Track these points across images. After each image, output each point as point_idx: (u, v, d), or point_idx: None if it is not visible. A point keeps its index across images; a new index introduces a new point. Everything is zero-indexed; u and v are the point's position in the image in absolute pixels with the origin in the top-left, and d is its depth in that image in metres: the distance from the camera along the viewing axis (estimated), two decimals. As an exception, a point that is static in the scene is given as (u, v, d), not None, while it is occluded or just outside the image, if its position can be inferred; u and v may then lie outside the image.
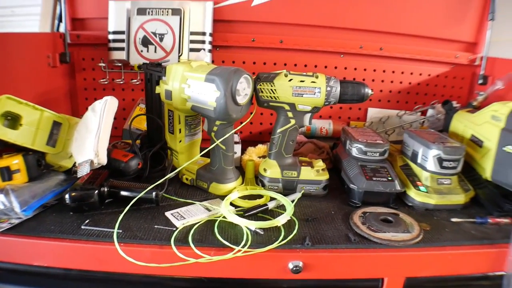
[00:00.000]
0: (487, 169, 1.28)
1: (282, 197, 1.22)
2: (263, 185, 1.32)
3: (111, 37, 1.76)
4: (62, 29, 1.79)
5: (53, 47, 1.71)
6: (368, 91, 1.24)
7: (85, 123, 1.25)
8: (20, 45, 1.51)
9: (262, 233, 1.05)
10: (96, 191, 1.11)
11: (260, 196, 1.27)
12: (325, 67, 1.87)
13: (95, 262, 1.00)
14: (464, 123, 1.47)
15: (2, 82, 1.39)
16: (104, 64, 1.80)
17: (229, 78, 1.12)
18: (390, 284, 1.05)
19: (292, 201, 1.21)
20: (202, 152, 1.30)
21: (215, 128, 1.24)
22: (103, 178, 1.18)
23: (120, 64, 1.80)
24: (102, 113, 1.21)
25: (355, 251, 1.02)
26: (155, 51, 1.74)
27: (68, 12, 1.77)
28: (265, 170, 1.32)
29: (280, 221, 1.08)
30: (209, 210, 1.16)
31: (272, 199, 1.23)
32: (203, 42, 1.75)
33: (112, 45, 1.76)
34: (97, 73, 1.83)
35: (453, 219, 1.18)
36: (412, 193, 1.25)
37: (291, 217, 1.12)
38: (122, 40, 1.75)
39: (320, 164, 1.34)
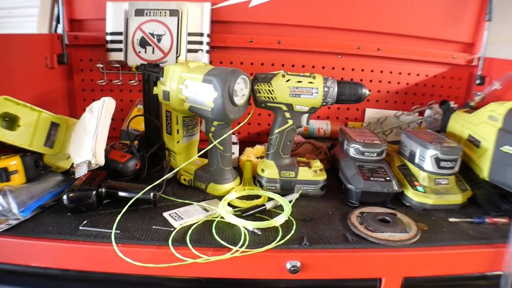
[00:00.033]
0: (484, 169, 1.28)
1: (279, 198, 1.22)
2: (261, 186, 1.32)
3: (109, 38, 1.76)
4: (60, 30, 1.78)
5: (51, 48, 1.71)
6: (365, 91, 1.24)
7: (83, 124, 1.25)
8: (18, 47, 1.51)
9: (260, 233, 1.05)
10: (94, 192, 1.11)
11: (258, 197, 1.27)
12: (323, 67, 1.88)
13: (93, 263, 1.00)
14: (461, 123, 1.47)
15: (0, 83, 1.39)
16: (102, 65, 1.80)
17: (226, 79, 1.12)
18: (388, 284, 1.06)
19: (290, 202, 1.21)
20: (200, 153, 1.30)
21: (212, 129, 1.24)
22: (101, 179, 1.18)
23: (118, 65, 1.80)
24: (99, 114, 1.21)
25: (352, 251, 1.02)
26: (153, 52, 1.74)
27: (66, 13, 1.77)
28: (263, 170, 1.32)
29: (278, 221, 1.08)
30: (207, 211, 1.17)
31: (270, 199, 1.23)
32: (201, 43, 1.75)
33: (110, 46, 1.76)
34: (95, 74, 1.83)
35: (451, 219, 1.19)
36: (410, 193, 1.26)
37: (288, 217, 1.12)
38: (120, 41, 1.75)
39: (317, 164, 1.34)
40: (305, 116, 1.27)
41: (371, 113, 1.96)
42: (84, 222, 1.06)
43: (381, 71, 1.91)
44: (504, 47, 1.93)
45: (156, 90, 1.30)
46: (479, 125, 1.34)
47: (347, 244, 1.03)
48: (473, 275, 1.10)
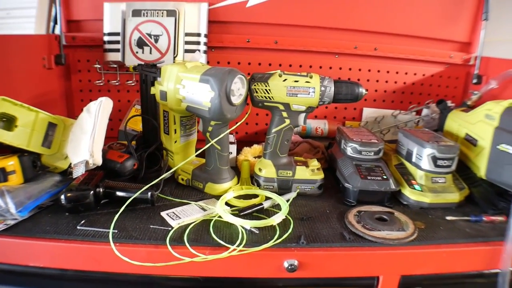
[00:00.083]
0: (481, 168, 1.28)
1: (277, 197, 1.22)
2: (259, 185, 1.33)
3: (106, 38, 1.76)
4: (57, 31, 1.78)
5: (48, 49, 1.71)
6: (362, 90, 1.24)
7: (80, 124, 1.25)
8: (16, 47, 1.51)
9: (257, 232, 1.06)
10: (92, 192, 1.11)
11: (256, 196, 1.27)
12: (320, 67, 1.88)
13: (91, 262, 1.01)
14: (458, 122, 1.47)
15: (-3, 84, 1.39)
16: (99, 66, 1.80)
17: (223, 79, 1.12)
18: (385, 282, 1.06)
19: (287, 201, 1.21)
20: (197, 152, 1.30)
21: (210, 129, 1.24)
22: (99, 179, 1.19)
23: (115, 66, 1.80)
24: (97, 114, 1.21)
25: (350, 249, 1.02)
26: (150, 52, 1.75)
27: (63, 14, 1.77)
28: (260, 169, 1.32)
29: (275, 220, 1.08)
30: (205, 210, 1.17)
31: (267, 198, 1.24)
32: (198, 43, 1.75)
33: (107, 46, 1.76)
34: (92, 74, 1.83)
35: (448, 217, 1.19)
36: (407, 191, 1.26)
37: (286, 216, 1.12)
38: (117, 42, 1.75)
39: (315, 163, 1.34)
40: (302, 115, 1.28)
41: (368, 112, 1.96)
42: (82, 222, 1.06)
43: (378, 71, 1.91)
44: (501, 46, 1.93)
45: (153, 90, 1.31)
46: (476, 124, 1.34)
47: (344, 242, 1.04)
48: (470, 273, 1.10)
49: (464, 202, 1.29)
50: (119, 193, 1.16)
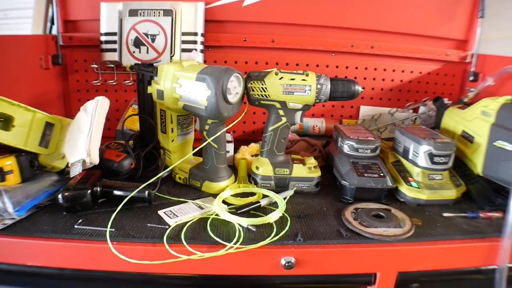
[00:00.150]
0: (478, 164, 1.29)
1: (274, 194, 1.22)
2: (256, 183, 1.33)
3: (103, 38, 1.76)
4: (54, 31, 1.78)
5: (45, 49, 1.71)
6: (358, 88, 1.25)
7: (77, 123, 1.25)
8: (13, 48, 1.51)
9: (254, 229, 1.06)
10: (89, 191, 1.11)
11: (253, 194, 1.28)
12: (317, 66, 1.88)
13: (88, 261, 1.01)
14: (455, 119, 1.48)
15: (-6, 84, 1.39)
16: (96, 66, 1.80)
17: (219, 77, 1.13)
18: (382, 278, 1.06)
19: (284, 198, 1.21)
20: (194, 150, 1.31)
21: (207, 127, 1.25)
22: (96, 178, 1.19)
23: (112, 66, 1.80)
24: (93, 113, 1.22)
25: (347, 246, 1.02)
26: (147, 52, 1.75)
27: (60, 14, 1.77)
28: (257, 168, 1.32)
29: (272, 217, 1.08)
30: (202, 208, 1.17)
31: (264, 196, 1.24)
32: (195, 42, 1.76)
33: (104, 46, 1.76)
34: (89, 74, 1.83)
35: (445, 214, 1.19)
36: (404, 188, 1.26)
37: (283, 213, 1.13)
38: (114, 42, 1.75)
39: (312, 161, 1.34)
40: (299, 113, 1.28)
41: (365, 110, 1.96)
42: (79, 221, 1.06)
43: (375, 69, 1.91)
44: (497, 44, 1.94)
45: (150, 90, 1.31)
46: (473, 121, 1.34)
47: (341, 239, 1.04)
48: (467, 270, 1.10)
49: (461, 198, 1.29)
50: (116, 192, 1.16)
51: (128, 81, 1.83)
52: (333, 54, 1.88)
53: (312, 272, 1.03)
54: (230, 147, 1.55)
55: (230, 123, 1.29)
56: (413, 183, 1.27)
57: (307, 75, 1.23)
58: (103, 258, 0.99)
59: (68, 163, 1.22)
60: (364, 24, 1.85)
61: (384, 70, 1.92)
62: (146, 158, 1.41)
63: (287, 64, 1.87)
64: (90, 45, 1.80)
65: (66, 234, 1.01)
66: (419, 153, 1.27)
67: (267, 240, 1.00)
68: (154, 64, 1.36)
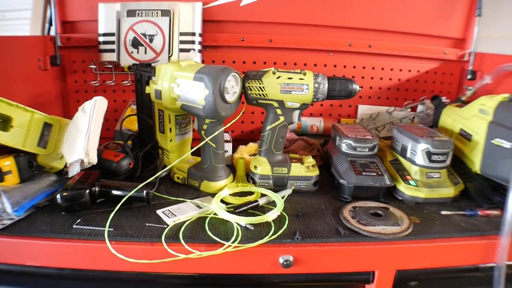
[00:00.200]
0: (476, 162, 1.29)
1: (272, 193, 1.22)
2: (254, 182, 1.33)
3: (101, 39, 1.76)
4: (52, 32, 1.78)
5: (43, 50, 1.71)
6: (356, 87, 1.25)
7: (75, 123, 1.25)
8: (11, 49, 1.51)
9: (252, 228, 1.06)
10: (87, 191, 1.11)
11: (251, 193, 1.28)
12: (315, 65, 1.89)
13: (87, 261, 1.01)
14: (453, 118, 1.48)
15: (-7, 85, 1.40)
16: (95, 66, 1.80)
17: (217, 76, 1.13)
18: (381, 277, 1.06)
19: (283, 197, 1.21)
20: (192, 150, 1.31)
21: (205, 127, 1.25)
22: (95, 178, 1.19)
23: (111, 66, 1.80)
24: (91, 113, 1.22)
25: (345, 244, 1.03)
26: (145, 52, 1.75)
27: (58, 15, 1.77)
28: (255, 167, 1.33)
29: (270, 216, 1.08)
30: (200, 208, 1.17)
31: (262, 195, 1.24)
32: (193, 42, 1.76)
33: (102, 47, 1.77)
34: (88, 75, 1.84)
35: (443, 212, 1.19)
36: (402, 187, 1.26)
37: (281, 212, 1.13)
38: (112, 42, 1.75)
39: (310, 160, 1.34)
40: (297, 112, 1.28)
41: (363, 109, 1.96)
42: (78, 220, 1.06)
43: (373, 68, 1.91)
44: (495, 42, 1.94)
45: (148, 89, 1.31)
46: (470, 119, 1.35)
47: (339, 238, 1.04)
48: (466, 267, 1.10)
49: (459, 196, 1.29)
50: (114, 192, 1.16)
51: (126, 82, 1.83)
52: (331, 54, 1.88)
53: (310, 270, 1.03)
54: (229, 146, 1.55)
55: (228, 123, 1.29)
56: (411, 182, 1.27)
57: (304, 74, 1.23)
58: (101, 257, 0.99)
59: (66, 163, 1.22)
60: (362, 23, 1.85)
61: (382, 69, 1.92)
62: (144, 158, 1.41)
63: (285, 63, 1.87)
64: (88, 45, 1.80)
65: (65, 234, 1.01)
66: (417, 152, 1.27)
67: (265, 239, 1.00)
68: (152, 64, 1.37)
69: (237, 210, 1.14)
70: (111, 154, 1.34)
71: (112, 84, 1.83)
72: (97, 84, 1.83)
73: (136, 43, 1.74)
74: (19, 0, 2.18)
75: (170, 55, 1.74)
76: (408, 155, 1.31)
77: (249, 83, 1.25)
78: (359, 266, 1.06)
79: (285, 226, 1.07)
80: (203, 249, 0.97)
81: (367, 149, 1.31)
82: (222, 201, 1.21)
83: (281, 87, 1.23)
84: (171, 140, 1.38)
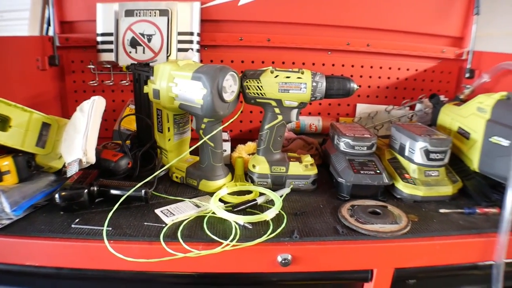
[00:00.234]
0: (474, 160, 1.29)
1: (270, 192, 1.22)
2: (252, 181, 1.33)
3: (99, 39, 1.76)
4: (51, 32, 1.78)
5: (42, 50, 1.71)
6: (354, 85, 1.25)
7: (74, 123, 1.25)
8: (10, 49, 1.52)
9: (250, 227, 1.06)
10: (86, 190, 1.11)
11: (250, 192, 1.28)
12: (313, 64, 1.89)
13: (86, 260, 1.01)
14: (451, 116, 1.48)
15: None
16: (93, 66, 1.80)
17: (215, 76, 1.13)
18: (379, 275, 1.06)
19: (281, 196, 1.21)
20: (190, 149, 1.31)
21: (203, 126, 1.25)
22: (93, 178, 1.19)
23: (109, 66, 1.80)
24: (90, 112, 1.22)
25: (343, 243, 1.03)
26: (144, 52, 1.75)
27: (56, 16, 1.77)
28: (254, 166, 1.33)
29: (268, 215, 1.08)
30: (199, 207, 1.17)
31: (261, 194, 1.24)
32: (191, 42, 1.76)
33: (100, 47, 1.77)
34: (86, 75, 1.84)
35: (441, 210, 1.19)
36: (400, 185, 1.27)
37: (279, 211, 1.13)
38: (110, 42, 1.76)
39: (308, 159, 1.35)
40: (295, 111, 1.28)
41: (362, 108, 1.97)
42: (77, 220, 1.06)
43: (371, 67, 1.92)
44: (493, 40, 1.95)
45: (146, 89, 1.31)
46: (468, 117, 1.35)
47: (337, 236, 1.04)
48: (464, 265, 1.10)
49: (458, 194, 1.29)
50: (113, 191, 1.16)
51: (125, 81, 1.83)
52: (329, 53, 1.89)
53: (309, 269, 1.03)
54: (227, 146, 1.55)
55: (226, 122, 1.29)
56: (410, 180, 1.27)
57: (302, 73, 1.23)
58: (100, 257, 0.99)
59: (65, 163, 1.22)
60: (360, 22, 1.85)
61: (380, 68, 1.92)
62: (143, 158, 1.41)
63: (283, 62, 1.87)
64: (87, 45, 1.80)
65: (63, 233, 1.01)
66: (415, 150, 1.27)
67: (264, 238, 1.00)
68: (150, 64, 1.37)
69: (236, 209, 1.14)
70: (109, 153, 1.34)
71: (111, 84, 1.83)
72: (95, 84, 1.83)
73: (134, 43, 1.74)
74: (18, 0, 2.18)
75: (168, 54, 1.74)
76: (406, 153, 1.31)
77: (247, 82, 1.25)
78: (358, 265, 1.06)
79: (283, 225, 1.07)
80: (202, 248, 0.97)
81: (365, 147, 1.31)
82: (220, 200, 1.21)
83: (279, 86, 1.23)
84: (169, 140, 1.38)
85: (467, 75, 1.87)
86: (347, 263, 1.05)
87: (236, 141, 1.63)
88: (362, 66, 1.91)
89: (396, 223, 1.09)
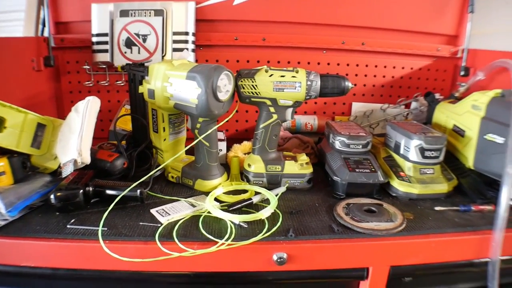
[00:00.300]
0: (469, 158, 1.29)
1: (266, 191, 1.23)
2: (248, 180, 1.33)
3: (94, 39, 1.76)
4: (46, 33, 1.78)
5: (37, 51, 1.71)
6: (348, 84, 1.25)
7: (69, 123, 1.25)
8: (5, 50, 1.51)
9: (246, 226, 1.06)
10: (81, 191, 1.11)
11: (245, 191, 1.28)
12: (308, 63, 1.89)
13: (81, 260, 1.01)
14: (446, 114, 1.49)
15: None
16: (88, 67, 1.80)
17: (209, 75, 1.13)
18: (375, 273, 1.07)
19: (276, 195, 1.21)
20: (186, 148, 1.31)
21: (198, 125, 1.25)
22: (88, 178, 1.19)
23: (104, 66, 1.80)
24: (84, 113, 1.22)
25: (338, 241, 1.03)
26: (139, 52, 1.75)
27: (51, 16, 1.77)
28: (249, 165, 1.33)
29: (264, 214, 1.08)
30: (194, 206, 1.17)
31: (256, 193, 1.24)
32: (186, 42, 1.76)
33: (96, 47, 1.76)
34: (82, 75, 1.83)
35: (437, 208, 1.20)
36: (396, 183, 1.27)
37: (275, 210, 1.13)
38: (105, 42, 1.75)
39: (304, 158, 1.35)
40: (290, 110, 1.28)
41: (357, 107, 1.97)
42: (72, 220, 1.06)
43: (366, 65, 1.92)
44: (487, 38, 1.95)
45: (141, 89, 1.31)
46: (463, 115, 1.35)
47: (333, 234, 1.04)
48: (460, 263, 1.11)
49: (453, 192, 1.30)
50: (108, 192, 1.16)
51: (120, 82, 1.83)
52: (324, 51, 1.89)
53: (304, 267, 1.03)
54: (223, 145, 1.55)
55: (221, 121, 1.29)
56: (405, 178, 1.27)
57: (297, 71, 1.23)
58: (96, 257, 0.99)
59: (60, 163, 1.22)
60: (355, 21, 1.86)
61: (376, 66, 1.93)
62: (138, 158, 1.41)
63: (278, 62, 1.87)
64: (82, 46, 1.80)
65: (59, 234, 1.01)
66: (410, 148, 1.27)
67: (259, 236, 1.00)
68: (145, 64, 1.36)
69: (231, 208, 1.14)
70: (105, 154, 1.34)
71: (106, 84, 1.83)
72: (91, 85, 1.83)
73: (129, 43, 1.74)
74: (12, 1, 2.17)
75: (163, 54, 1.74)
76: (402, 151, 1.32)
77: (241, 81, 1.25)
78: (353, 263, 1.06)
79: (278, 224, 1.08)
80: (197, 247, 0.97)
81: (360, 146, 1.32)
82: (216, 199, 1.21)
83: (274, 85, 1.23)
84: (164, 140, 1.38)
85: (462, 73, 1.88)
86: (342, 261, 1.05)
87: (232, 140, 1.63)
88: (357, 65, 1.91)
89: (392, 221, 1.09)
